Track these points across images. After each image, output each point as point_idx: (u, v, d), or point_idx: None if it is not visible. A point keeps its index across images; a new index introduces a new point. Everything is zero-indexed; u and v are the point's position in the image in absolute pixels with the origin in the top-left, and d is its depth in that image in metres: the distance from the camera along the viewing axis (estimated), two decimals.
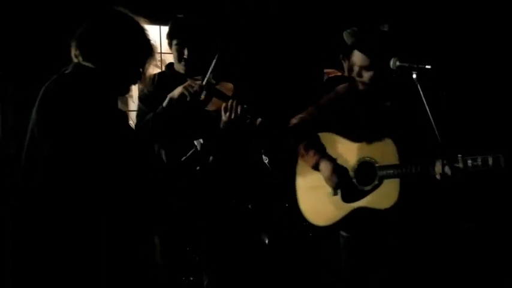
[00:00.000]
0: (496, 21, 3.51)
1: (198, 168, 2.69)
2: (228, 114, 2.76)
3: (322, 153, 2.86)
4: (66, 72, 2.02)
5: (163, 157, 2.80)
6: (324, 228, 2.86)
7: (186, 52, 3.01)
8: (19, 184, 1.97)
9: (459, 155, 2.52)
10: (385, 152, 2.73)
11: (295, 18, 4.58)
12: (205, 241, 3.15)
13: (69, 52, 3.22)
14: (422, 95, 2.57)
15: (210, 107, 2.87)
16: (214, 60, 2.85)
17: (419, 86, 2.59)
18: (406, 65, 2.63)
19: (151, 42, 2.14)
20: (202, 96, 2.81)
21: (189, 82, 2.84)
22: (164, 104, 2.79)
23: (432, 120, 2.51)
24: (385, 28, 3.03)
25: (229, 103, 2.78)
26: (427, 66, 2.59)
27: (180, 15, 3.08)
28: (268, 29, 4.53)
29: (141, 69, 2.10)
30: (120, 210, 1.98)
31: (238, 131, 2.83)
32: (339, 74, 4.59)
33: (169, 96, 2.79)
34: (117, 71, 2.06)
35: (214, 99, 2.86)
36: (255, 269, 3.46)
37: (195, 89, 2.78)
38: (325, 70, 4.56)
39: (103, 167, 1.90)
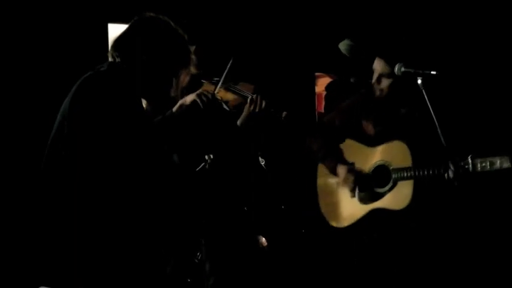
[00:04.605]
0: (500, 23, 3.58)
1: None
2: (252, 107, 2.75)
3: (339, 158, 2.94)
4: (102, 69, 2.02)
5: (176, 159, 2.79)
6: (344, 230, 2.92)
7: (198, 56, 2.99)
8: (39, 180, 1.95)
9: (469, 156, 2.59)
10: (398, 154, 2.80)
11: (286, 21, 4.59)
12: (203, 243, 3.15)
13: (67, 52, 3.21)
14: (427, 100, 2.64)
15: (229, 104, 2.87)
16: (229, 66, 2.87)
17: (424, 92, 2.65)
18: (412, 70, 2.68)
19: (191, 54, 2.15)
20: (219, 96, 2.81)
21: (202, 89, 2.82)
22: (174, 109, 2.76)
23: (437, 125, 2.58)
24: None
25: (254, 97, 2.78)
26: (432, 72, 2.64)
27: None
28: (259, 31, 4.54)
29: (174, 79, 2.12)
30: (138, 210, 1.97)
31: (264, 124, 2.86)
32: (329, 77, 4.66)
33: (180, 102, 2.77)
34: (151, 76, 2.07)
35: (232, 97, 2.86)
36: (251, 271, 3.47)
37: (208, 97, 2.77)
38: (316, 73, 4.60)
39: (128, 164, 1.90)
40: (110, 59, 2.08)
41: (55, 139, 1.97)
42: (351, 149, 2.97)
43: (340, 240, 3.02)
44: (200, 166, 2.64)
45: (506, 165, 2.53)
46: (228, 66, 2.89)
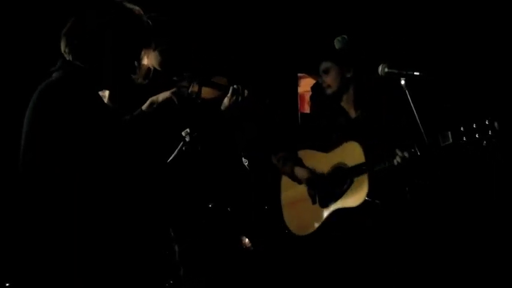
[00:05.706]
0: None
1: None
2: (234, 98, 2.72)
3: (297, 163, 3.07)
4: (56, 74, 1.92)
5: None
6: (309, 236, 3.01)
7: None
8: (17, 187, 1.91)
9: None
10: (352, 154, 2.88)
11: (269, 21, 4.59)
12: (185, 243, 3.13)
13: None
14: (410, 101, 2.65)
15: (206, 98, 2.84)
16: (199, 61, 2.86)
17: (407, 92, 2.66)
18: (395, 71, 2.70)
19: (148, 30, 2.00)
20: (195, 91, 2.78)
21: (176, 88, 2.76)
22: (144, 107, 2.67)
23: (420, 124, 2.61)
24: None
25: (235, 86, 2.75)
26: (415, 73, 2.66)
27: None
28: (242, 32, 4.54)
29: (136, 61, 1.98)
30: (116, 211, 1.94)
31: (251, 112, 2.86)
32: (311, 78, 4.65)
33: (151, 99, 2.68)
34: (110, 68, 1.94)
35: (210, 91, 2.82)
36: (234, 271, 3.46)
37: (184, 94, 2.71)
38: (299, 74, 4.60)
39: (100, 167, 1.84)
40: (65, 55, 1.93)
41: (24, 153, 1.91)
42: (308, 156, 3.08)
43: (308, 246, 3.07)
44: (178, 148, 2.57)
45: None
46: (200, 62, 2.88)
